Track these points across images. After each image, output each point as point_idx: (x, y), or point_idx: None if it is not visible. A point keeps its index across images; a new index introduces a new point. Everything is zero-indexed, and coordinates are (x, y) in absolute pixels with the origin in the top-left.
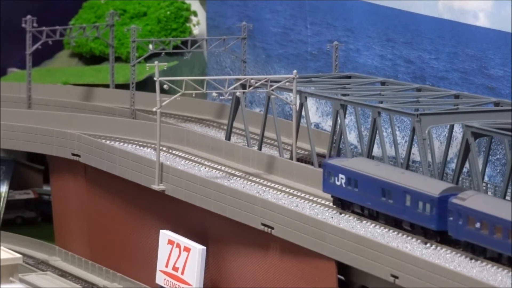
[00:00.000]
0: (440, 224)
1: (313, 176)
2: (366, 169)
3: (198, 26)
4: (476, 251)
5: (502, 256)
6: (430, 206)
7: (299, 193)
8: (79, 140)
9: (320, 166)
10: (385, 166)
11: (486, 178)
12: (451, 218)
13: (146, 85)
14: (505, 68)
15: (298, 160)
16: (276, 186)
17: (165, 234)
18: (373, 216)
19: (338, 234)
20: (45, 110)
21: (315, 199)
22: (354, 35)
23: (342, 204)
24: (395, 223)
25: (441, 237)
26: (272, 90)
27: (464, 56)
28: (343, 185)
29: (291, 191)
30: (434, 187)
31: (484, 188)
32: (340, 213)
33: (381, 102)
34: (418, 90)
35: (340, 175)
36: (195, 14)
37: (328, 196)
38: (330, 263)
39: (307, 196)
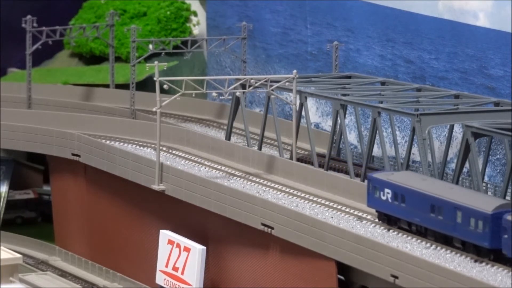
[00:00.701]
0: (493, 242)
1: (313, 176)
2: (413, 184)
3: (198, 26)
4: None
5: None
6: (482, 223)
7: (299, 193)
8: (79, 140)
9: (320, 166)
10: (433, 180)
11: (486, 178)
12: (506, 236)
13: (146, 85)
14: (505, 68)
15: (298, 160)
16: (276, 186)
17: (165, 234)
18: (421, 232)
19: (338, 234)
20: (45, 110)
21: (315, 199)
22: (354, 35)
23: (388, 220)
24: (444, 240)
25: (495, 256)
26: (272, 90)
27: (464, 56)
28: (389, 200)
29: (291, 191)
30: (486, 203)
31: (484, 188)
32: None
33: (381, 102)
34: (418, 90)
35: (386, 190)
36: (195, 14)
37: (328, 195)
38: (330, 263)
39: (307, 196)
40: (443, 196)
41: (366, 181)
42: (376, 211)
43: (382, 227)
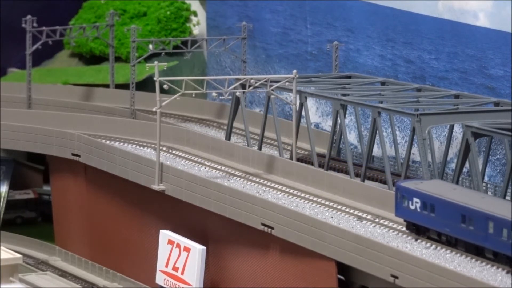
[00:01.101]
0: None
1: (313, 176)
2: (443, 193)
3: (198, 26)
4: None
5: None
6: None
7: (299, 193)
8: (79, 140)
9: (320, 166)
10: (463, 190)
11: (486, 178)
12: None
13: (146, 85)
14: (505, 68)
15: (298, 160)
16: (276, 186)
17: (165, 234)
18: (452, 243)
19: (338, 234)
20: (45, 110)
21: (315, 199)
22: (354, 35)
23: (417, 230)
24: (476, 251)
25: None
26: (272, 90)
27: (464, 56)
28: (418, 210)
29: (291, 191)
30: None
31: (484, 188)
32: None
33: (381, 102)
34: (418, 90)
35: (415, 199)
36: (195, 14)
37: (328, 196)
38: (330, 263)
39: (307, 196)
40: (474, 206)
41: (394, 190)
42: (405, 221)
43: (382, 227)
